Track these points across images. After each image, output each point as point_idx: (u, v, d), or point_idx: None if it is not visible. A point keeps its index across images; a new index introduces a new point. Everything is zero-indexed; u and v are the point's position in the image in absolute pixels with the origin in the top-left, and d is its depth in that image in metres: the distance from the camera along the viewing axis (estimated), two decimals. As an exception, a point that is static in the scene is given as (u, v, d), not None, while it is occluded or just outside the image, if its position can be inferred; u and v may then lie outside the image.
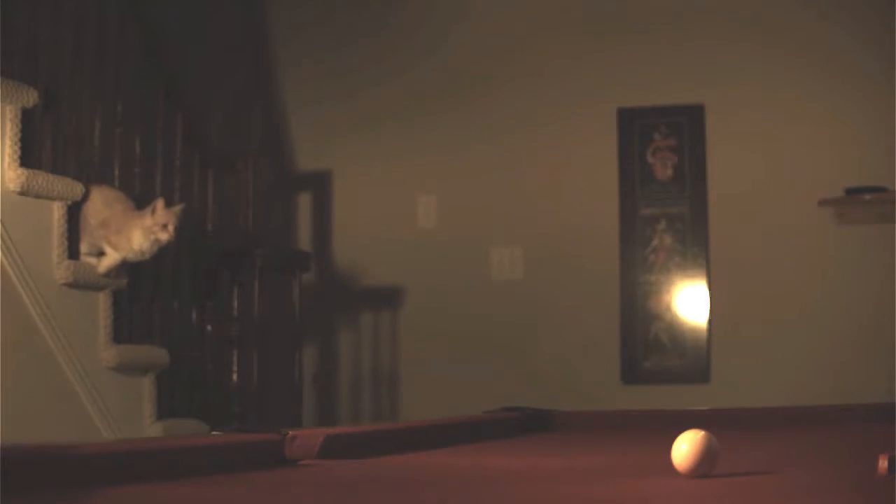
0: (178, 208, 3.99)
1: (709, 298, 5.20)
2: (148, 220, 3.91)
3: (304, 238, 5.62)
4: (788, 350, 5.06)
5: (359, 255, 5.54)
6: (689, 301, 5.23)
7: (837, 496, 1.55)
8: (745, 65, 5.22)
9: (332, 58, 5.61)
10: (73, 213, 3.89)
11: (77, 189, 3.86)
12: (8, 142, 3.66)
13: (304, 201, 5.68)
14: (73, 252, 3.87)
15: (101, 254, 3.96)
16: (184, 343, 4.46)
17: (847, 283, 5.06)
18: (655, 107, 5.32)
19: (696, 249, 5.24)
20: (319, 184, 5.64)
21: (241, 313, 4.61)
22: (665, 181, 5.30)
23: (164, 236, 3.93)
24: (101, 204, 3.96)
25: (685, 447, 1.69)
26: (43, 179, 3.73)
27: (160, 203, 3.93)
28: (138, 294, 4.25)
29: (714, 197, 5.24)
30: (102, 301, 3.96)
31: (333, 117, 5.60)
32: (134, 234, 3.91)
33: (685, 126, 5.29)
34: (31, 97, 3.74)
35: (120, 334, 4.05)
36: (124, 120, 4.26)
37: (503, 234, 5.42)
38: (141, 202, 4.34)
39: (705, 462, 1.68)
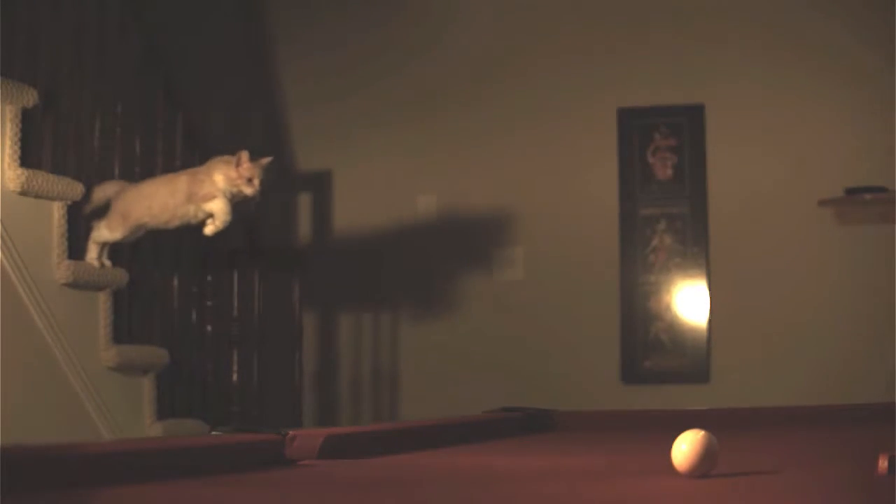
0: (265, 161, 3.81)
1: (709, 298, 5.20)
2: (233, 173, 3.75)
3: (304, 238, 5.62)
4: (788, 350, 5.06)
5: (360, 255, 5.54)
6: (689, 301, 5.22)
7: (837, 496, 1.55)
8: (745, 65, 5.22)
9: (333, 57, 5.61)
10: (73, 213, 3.89)
11: (77, 189, 3.86)
12: (8, 142, 3.66)
13: (304, 201, 5.68)
14: (73, 252, 3.87)
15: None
16: (184, 343, 4.46)
17: (847, 283, 5.06)
18: (655, 107, 5.32)
19: (696, 249, 5.24)
20: (319, 184, 5.64)
21: (241, 313, 4.62)
22: (665, 181, 5.30)
23: (248, 191, 3.76)
24: (167, 191, 3.85)
25: (685, 447, 1.69)
26: (43, 179, 3.73)
27: (245, 155, 3.75)
28: (138, 294, 4.25)
29: (714, 197, 5.24)
30: (102, 301, 3.96)
31: (333, 117, 5.59)
32: (217, 176, 3.77)
33: (685, 126, 5.29)
34: (31, 97, 3.74)
35: (120, 334, 4.05)
36: (124, 120, 4.26)
37: (503, 234, 5.42)
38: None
39: (705, 462, 1.68)
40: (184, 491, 1.69)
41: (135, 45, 4.35)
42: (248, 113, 5.71)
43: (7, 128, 3.67)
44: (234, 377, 4.56)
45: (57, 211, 3.80)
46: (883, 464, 1.63)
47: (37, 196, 3.72)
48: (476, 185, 5.46)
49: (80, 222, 3.96)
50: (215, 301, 4.60)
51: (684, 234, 5.25)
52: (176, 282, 4.44)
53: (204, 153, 4.54)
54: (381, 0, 5.62)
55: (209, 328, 4.58)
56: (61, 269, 3.79)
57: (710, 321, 5.19)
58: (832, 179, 5.06)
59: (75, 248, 3.89)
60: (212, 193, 3.79)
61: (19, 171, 3.65)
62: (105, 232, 3.90)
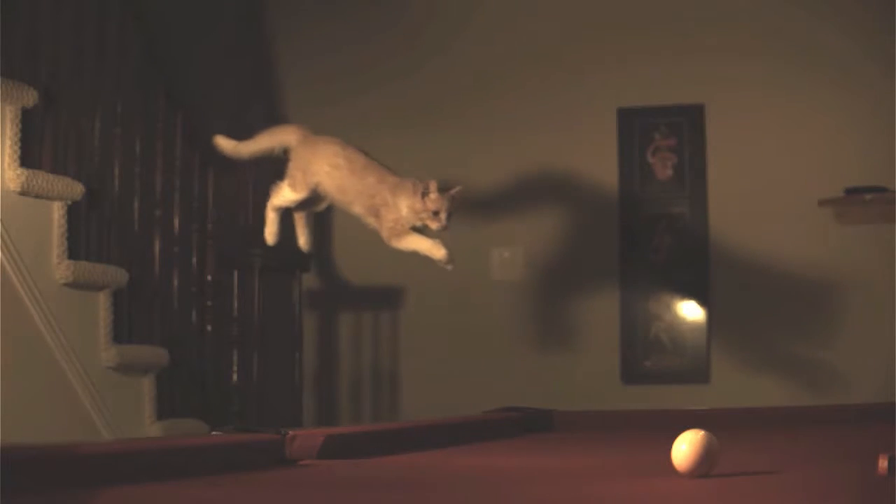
0: (455, 191, 3.47)
1: (709, 299, 5.20)
2: (418, 204, 3.43)
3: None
4: (788, 350, 5.06)
5: (359, 255, 5.54)
6: (689, 301, 5.22)
7: (837, 496, 1.55)
8: (745, 65, 5.22)
9: (333, 58, 5.61)
10: (73, 213, 3.89)
11: (77, 189, 3.86)
12: (8, 142, 3.66)
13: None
14: (73, 252, 3.87)
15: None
16: (184, 343, 4.46)
17: (847, 283, 5.06)
18: (655, 107, 5.32)
19: (696, 249, 5.23)
20: (319, 184, 5.62)
21: (241, 313, 4.62)
22: (665, 181, 5.30)
23: (434, 226, 3.43)
24: (352, 179, 3.52)
25: (685, 447, 1.69)
26: (43, 179, 3.73)
27: (433, 186, 3.43)
28: (138, 294, 4.25)
29: (714, 197, 5.24)
30: (102, 301, 3.96)
31: (333, 117, 5.58)
32: (402, 206, 3.46)
33: (685, 126, 5.29)
34: (31, 97, 3.74)
35: (120, 334, 4.05)
36: (124, 120, 4.26)
37: (503, 234, 5.42)
38: (139, 202, 4.34)
39: (705, 462, 1.69)
40: (184, 491, 1.69)
41: (135, 45, 4.35)
42: (247, 113, 5.71)
43: (7, 128, 3.67)
44: (234, 377, 4.57)
45: (57, 211, 3.80)
46: (883, 464, 1.63)
47: (37, 196, 3.72)
48: (476, 185, 5.45)
49: (80, 222, 3.96)
50: (215, 301, 4.60)
51: (684, 234, 5.25)
52: (176, 282, 4.44)
53: (204, 153, 4.55)
54: (381, 3, 5.62)
55: (209, 328, 4.58)
56: (61, 269, 3.79)
57: (710, 321, 5.19)
58: (832, 179, 5.06)
59: (75, 248, 3.89)
60: (398, 223, 3.47)
61: (19, 171, 3.66)
62: (288, 192, 3.61)
